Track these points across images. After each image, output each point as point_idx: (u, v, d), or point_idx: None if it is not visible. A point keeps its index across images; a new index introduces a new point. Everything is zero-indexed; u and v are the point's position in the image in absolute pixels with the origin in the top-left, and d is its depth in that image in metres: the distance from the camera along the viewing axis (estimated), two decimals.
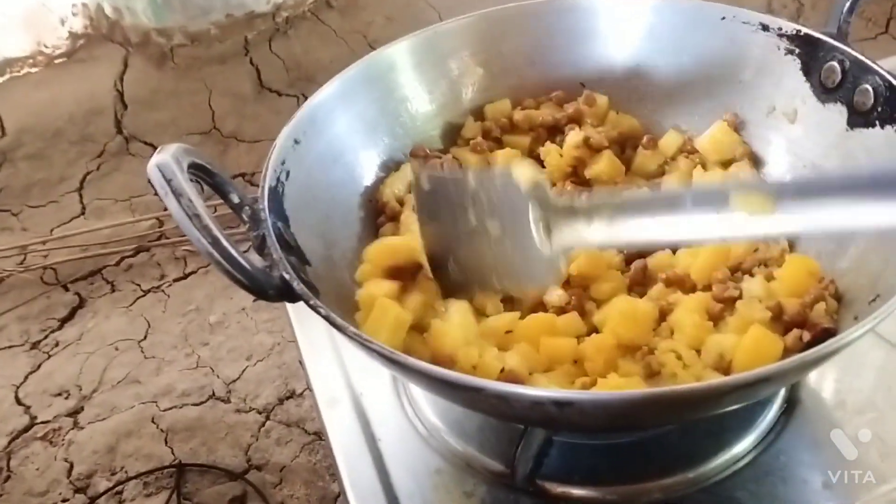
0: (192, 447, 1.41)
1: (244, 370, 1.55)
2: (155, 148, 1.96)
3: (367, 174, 0.84)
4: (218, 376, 1.54)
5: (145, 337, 1.65)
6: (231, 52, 2.05)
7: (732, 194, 0.58)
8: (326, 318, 0.59)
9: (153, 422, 1.46)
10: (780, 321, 0.66)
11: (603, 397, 0.54)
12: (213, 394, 1.51)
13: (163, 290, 1.76)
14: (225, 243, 0.58)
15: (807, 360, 0.53)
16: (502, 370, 0.67)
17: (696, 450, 0.72)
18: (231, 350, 1.59)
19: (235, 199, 0.68)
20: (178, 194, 0.58)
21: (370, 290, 0.72)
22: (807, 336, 0.63)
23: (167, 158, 0.59)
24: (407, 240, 0.76)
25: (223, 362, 1.57)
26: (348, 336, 0.58)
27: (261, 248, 0.66)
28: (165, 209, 1.69)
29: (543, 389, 0.57)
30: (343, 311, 0.71)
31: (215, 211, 1.18)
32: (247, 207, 0.68)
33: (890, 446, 0.71)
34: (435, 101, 0.89)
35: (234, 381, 1.53)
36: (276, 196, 0.71)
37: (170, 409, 1.49)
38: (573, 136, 0.85)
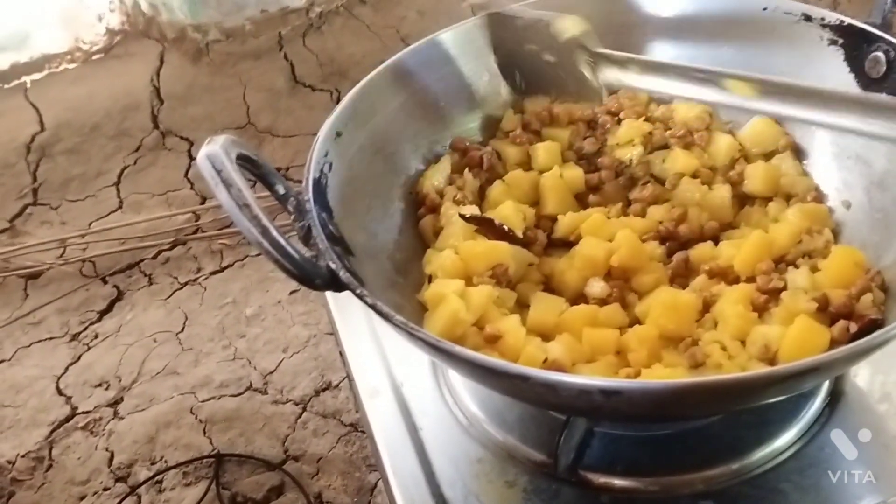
0: (230, 438, 1.43)
1: (280, 362, 1.56)
2: (191, 143, 1.99)
3: (408, 166, 0.85)
4: (255, 368, 1.56)
5: (183, 329, 1.67)
6: (265, 48, 2.07)
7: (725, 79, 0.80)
8: (373, 306, 0.60)
9: (192, 412, 1.48)
10: (826, 312, 0.66)
11: (651, 386, 0.54)
12: (251, 385, 1.53)
13: (199, 283, 1.78)
14: (275, 233, 0.58)
15: (855, 350, 0.52)
16: (545, 360, 0.67)
17: (739, 441, 0.71)
18: (267, 342, 1.60)
19: (281, 191, 0.69)
20: (228, 184, 0.58)
21: (437, 289, 0.73)
22: (853, 327, 0.63)
23: (217, 149, 0.60)
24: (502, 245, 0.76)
25: (260, 354, 1.58)
26: (394, 324, 0.59)
27: (306, 238, 0.67)
28: (202, 202, 1.71)
29: (591, 378, 0.58)
30: (385, 300, 0.71)
31: None
32: (292, 198, 0.69)
33: None
34: (475, 94, 0.89)
35: (271, 372, 1.54)
36: (320, 187, 0.72)
37: (208, 400, 1.50)
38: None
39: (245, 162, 0.65)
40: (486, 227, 0.78)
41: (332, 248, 0.65)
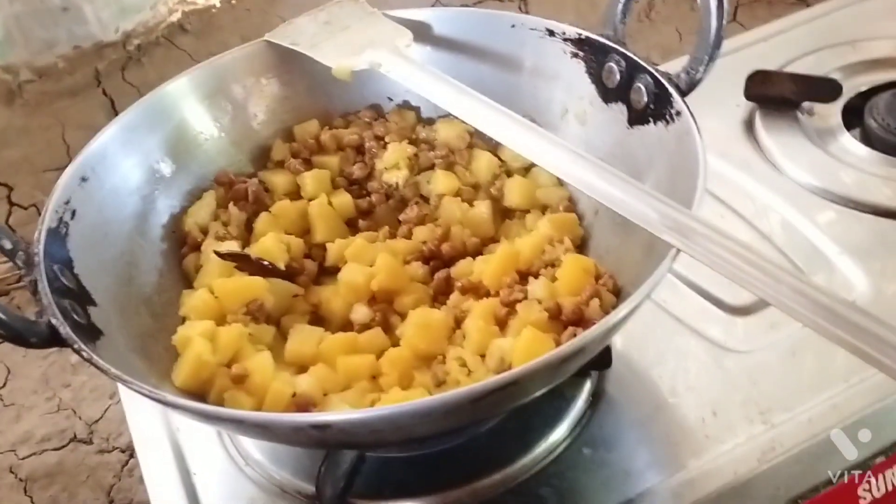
0: (51, 494, 1.37)
1: (107, 409, 1.51)
2: (10, 188, 1.89)
3: (170, 204, 0.83)
4: (80, 418, 1.50)
5: (4, 384, 1.60)
6: (82, 85, 2.00)
7: None
8: (89, 360, 0.58)
9: (11, 472, 1.42)
10: (560, 320, 0.68)
11: (358, 416, 0.54)
12: (75, 436, 1.47)
13: None
14: None
15: (552, 360, 0.53)
16: (294, 395, 0.67)
17: (503, 452, 0.73)
18: (94, 389, 1.55)
19: (8, 245, 0.67)
20: None
21: (184, 332, 0.71)
22: (580, 332, 0.65)
23: None
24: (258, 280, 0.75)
25: (85, 402, 1.53)
26: (110, 377, 0.57)
27: (36, 293, 0.64)
28: None
29: (301, 415, 0.58)
30: (138, 348, 0.70)
31: None
32: (20, 252, 0.67)
33: (686, 429, 0.74)
34: (237, 127, 0.88)
35: (97, 421, 1.49)
36: (58, 237, 0.70)
37: (28, 456, 1.44)
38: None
39: None
40: (244, 263, 0.77)
41: (59, 302, 0.63)
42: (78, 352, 0.59)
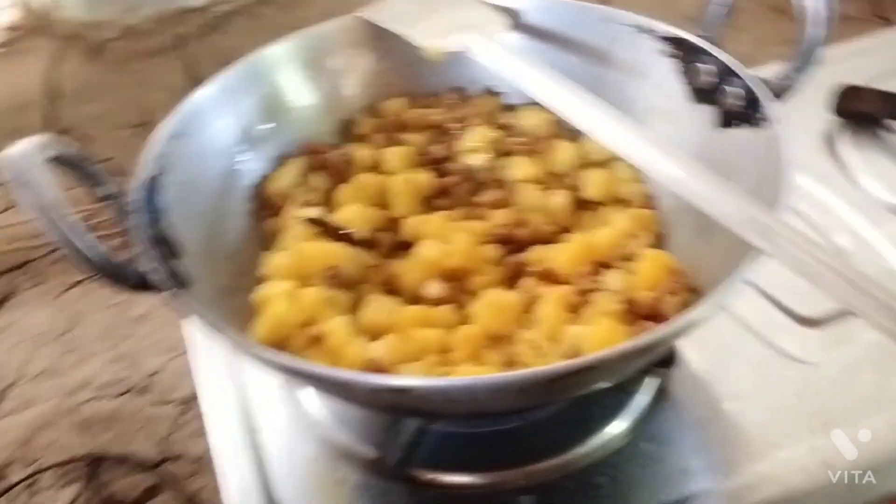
0: (108, 439, 1.42)
1: (166, 363, 1.55)
2: (87, 142, 1.94)
3: (257, 167, 0.85)
4: (139, 369, 1.54)
5: (70, 330, 1.65)
6: (163, 47, 2.05)
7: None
8: (180, 307, 0.60)
9: (70, 414, 1.46)
10: (635, 314, 0.68)
11: (438, 384, 0.55)
12: (133, 386, 1.51)
13: (89, 284, 1.75)
14: (80, 234, 0.59)
15: (623, 352, 0.54)
16: (368, 360, 0.68)
17: (563, 438, 0.74)
18: (154, 343, 1.59)
19: (106, 192, 0.69)
20: (30, 186, 0.58)
21: (266, 290, 0.73)
22: (656, 327, 0.66)
23: (25, 148, 0.61)
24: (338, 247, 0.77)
25: (145, 354, 1.57)
26: (202, 323, 0.59)
27: (131, 240, 0.67)
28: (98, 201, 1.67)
29: (382, 377, 0.59)
30: (221, 302, 0.72)
31: None
32: (118, 199, 0.69)
33: (746, 434, 0.75)
34: (327, 98, 0.90)
35: (155, 373, 1.53)
36: (151, 188, 0.72)
37: (88, 401, 1.48)
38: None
39: (64, 163, 0.65)
40: (326, 230, 0.79)
41: (151, 250, 0.65)
42: (169, 299, 0.61)
